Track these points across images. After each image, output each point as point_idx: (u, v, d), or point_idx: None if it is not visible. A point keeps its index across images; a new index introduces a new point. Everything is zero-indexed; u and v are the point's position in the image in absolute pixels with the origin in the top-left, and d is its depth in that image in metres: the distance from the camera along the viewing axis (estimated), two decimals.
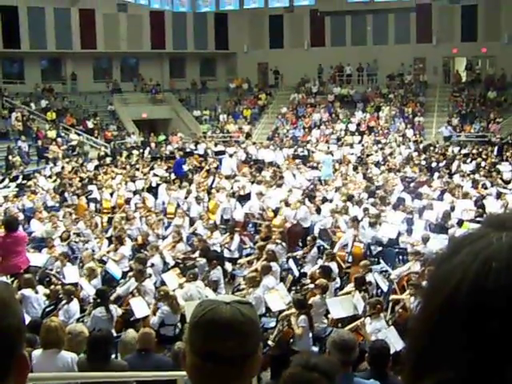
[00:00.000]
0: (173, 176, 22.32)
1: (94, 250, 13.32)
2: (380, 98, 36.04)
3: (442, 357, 0.74)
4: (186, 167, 23.82)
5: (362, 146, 29.23)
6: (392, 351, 6.30)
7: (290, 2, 36.01)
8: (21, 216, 16.09)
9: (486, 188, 18.58)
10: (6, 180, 23.34)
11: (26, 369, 1.12)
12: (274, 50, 39.28)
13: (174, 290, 10.19)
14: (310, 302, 9.37)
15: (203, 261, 12.15)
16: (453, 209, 15.35)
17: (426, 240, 12.57)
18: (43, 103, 34.03)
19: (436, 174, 21.08)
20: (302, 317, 8.72)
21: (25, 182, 22.05)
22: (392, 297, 10.26)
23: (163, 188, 19.21)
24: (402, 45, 36.72)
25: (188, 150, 28.95)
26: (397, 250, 13.63)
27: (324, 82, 38.66)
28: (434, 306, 0.76)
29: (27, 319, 8.33)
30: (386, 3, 34.98)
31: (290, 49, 38.83)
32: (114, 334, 8.20)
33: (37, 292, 10.03)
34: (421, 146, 29.09)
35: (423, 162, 24.31)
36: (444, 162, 24.54)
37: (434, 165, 23.82)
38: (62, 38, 35.85)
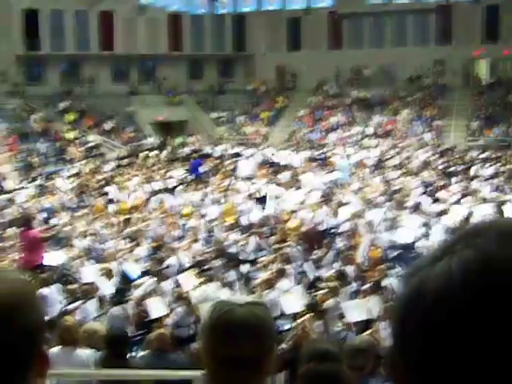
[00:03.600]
0: (190, 178, 22.39)
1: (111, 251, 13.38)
2: (398, 101, 35.86)
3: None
4: (202, 169, 23.89)
5: (380, 149, 29.10)
6: None
7: (308, 3, 36.03)
8: (40, 216, 16.23)
9: (505, 193, 18.42)
10: (26, 181, 23.57)
11: (47, 364, 1.14)
12: (291, 52, 39.26)
13: (189, 292, 10.21)
14: (324, 306, 9.35)
15: (219, 262, 12.17)
16: (471, 213, 15.24)
17: None
18: (62, 105, 34.28)
19: (454, 179, 20.93)
20: (319, 322, 8.71)
21: (44, 182, 22.22)
22: None
23: (179, 190, 19.28)
24: (421, 47, 36.55)
25: (205, 152, 29.02)
26: (413, 254, 13.55)
27: (342, 84, 38.55)
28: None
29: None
30: (405, 4, 34.81)
31: (307, 51, 38.77)
32: (130, 334, 8.24)
33: (53, 291, 10.10)
34: (439, 149, 28.92)
35: (441, 166, 24.16)
36: (462, 166, 24.38)
37: (452, 169, 23.67)
38: (81, 40, 36.12)
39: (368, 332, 8.52)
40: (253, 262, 13.49)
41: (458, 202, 17.27)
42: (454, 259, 0.76)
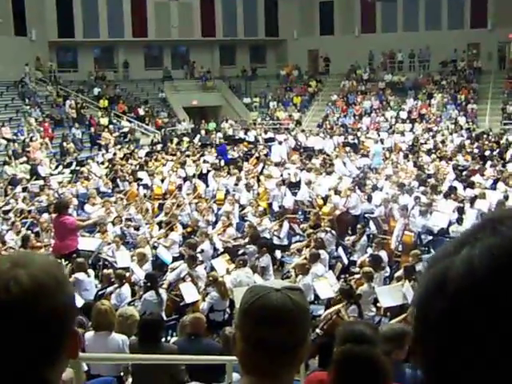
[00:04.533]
0: (222, 163, 22.45)
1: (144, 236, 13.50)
2: (432, 84, 35.45)
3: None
4: (234, 153, 23.95)
5: (414, 133, 28.83)
6: None
7: None
8: (75, 201, 16.42)
9: None
10: (61, 166, 23.87)
11: (78, 344, 1.17)
12: (324, 36, 38.95)
13: (223, 276, 10.27)
14: (358, 291, 9.33)
15: (253, 247, 12.21)
16: (506, 198, 15.03)
17: None
18: (96, 91, 34.57)
19: (489, 163, 20.65)
20: (353, 307, 8.70)
21: (78, 168, 22.47)
22: None
23: (212, 175, 19.33)
24: (456, 30, 35.97)
25: (238, 137, 29.06)
26: (447, 239, 13.43)
27: (375, 68, 38.21)
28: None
29: (81, 302, 8.54)
30: None
31: (340, 35, 38.44)
32: (164, 318, 8.32)
33: (89, 276, 10.24)
34: (473, 133, 28.54)
35: (476, 150, 23.84)
36: (497, 150, 24.03)
37: (487, 153, 23.34)
38: (115, 26, 36.32)
39: (401, 317, 8.49)
40: (286, 248, 13.52)
41: (492, 186, 17.06)
42: (477, 246, 0.76)
